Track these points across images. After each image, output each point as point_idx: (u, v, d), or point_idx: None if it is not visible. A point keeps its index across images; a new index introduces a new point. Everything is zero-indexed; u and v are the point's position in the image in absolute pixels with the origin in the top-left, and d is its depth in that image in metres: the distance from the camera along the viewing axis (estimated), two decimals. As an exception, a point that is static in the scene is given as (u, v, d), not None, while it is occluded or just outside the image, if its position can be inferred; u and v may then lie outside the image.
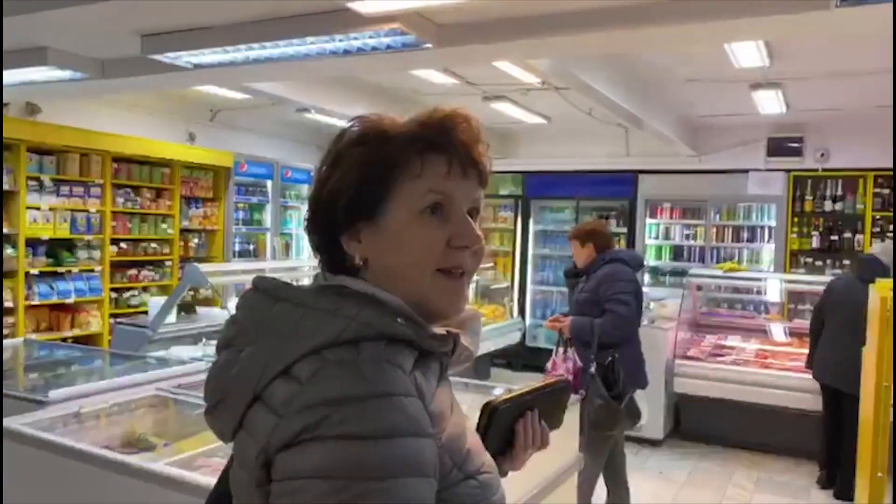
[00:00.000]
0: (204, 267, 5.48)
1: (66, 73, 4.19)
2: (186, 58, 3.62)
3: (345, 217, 0.88)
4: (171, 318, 5.20)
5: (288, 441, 0.73)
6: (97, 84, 4.45)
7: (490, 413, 1.01)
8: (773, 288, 6.68)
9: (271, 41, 3.26)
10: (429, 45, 3.15)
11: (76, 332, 6.18)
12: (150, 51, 3.54)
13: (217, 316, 5.34)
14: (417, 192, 0.87)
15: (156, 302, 5.36)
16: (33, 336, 5.82)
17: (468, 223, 0.89)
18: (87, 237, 6.30)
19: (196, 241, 7.44)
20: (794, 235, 7.56)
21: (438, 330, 0.91)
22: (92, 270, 6.34)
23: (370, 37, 3.09)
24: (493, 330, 7.38)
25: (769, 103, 6.23)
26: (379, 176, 0.87)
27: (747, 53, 4.69)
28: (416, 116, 0.92)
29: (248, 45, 3.34)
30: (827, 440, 4.95)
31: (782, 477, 5.21)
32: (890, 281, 3.13)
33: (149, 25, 3.47)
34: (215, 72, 3.91)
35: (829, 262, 7.35)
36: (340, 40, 3.16)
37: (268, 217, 8.22)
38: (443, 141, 0.88)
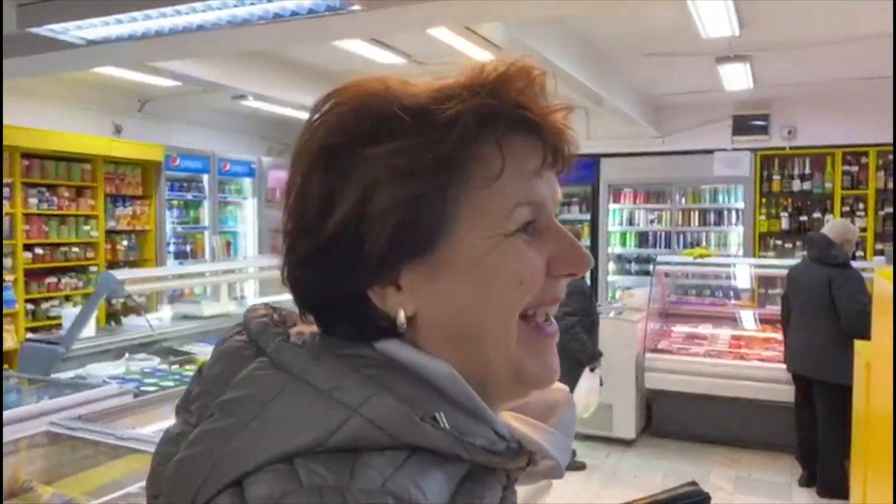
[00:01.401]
0: (126, 273, 4.95)
1: (-59, 55, 3.60)
2: (74, 31, 3.08)
3: (383, 259, 0.55)
4: (91, 331, 4.65)
5: None
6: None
7: None
8: (743, 273, 6.41)
9: (170, 6, 2.74)
10: (356, 7, 2.68)
11: (-14, 349, 5.57)
12: (29, 23, 3.00)
13: (142, 328, 4.80)
14: (501, 206, 0.56)
15: (72, 314, 4.79)
16: (-66, 357, 5.22)
17: (571, 238, 0.60)
18: (-6, 243, 5.69)
19: (125, 243, 6.88)
20: (763, 217, 7.33)
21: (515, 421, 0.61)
22: (2, 281, 5.72)
23: (286, -2, 2.62)
24: None
25: (736, 78, 5.93)
26: (436, 189, 0.54)
27: (716, 21, 4.33)
28: (467, 79, 0.57)
29: (144, 14, 2.82)
30: (800, 434, 4.74)
31: (762, 474, 4.95)
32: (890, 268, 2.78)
33: (23, -8, 2.94)
34: (113, 49, 3.39)
35: (798, 244, 7.10)
36: (252, 3, 2.67)
37: (205, 214, 7.68)
38: (528, 114, 0.56)
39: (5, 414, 2.82)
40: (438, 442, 0.51)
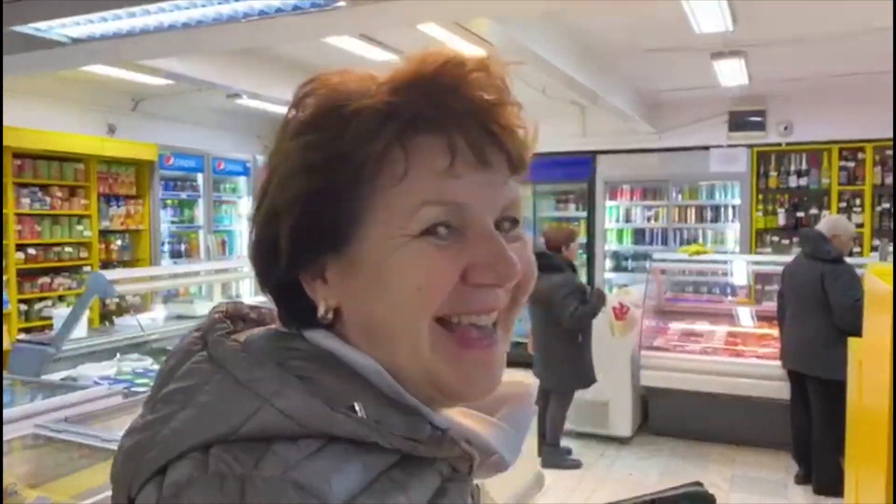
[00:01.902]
0: (116, 273, 4.92)
1: (-74, 54, 3.57)
2: (59, 29, 3.05)
3: (292, 249, 0.56)
4: (82, 331, 4.62)
5: None
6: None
7: None
8: (740, 270, 6.37)
9: (154, 3, 2.71)
10: (342, 4, 2.65)
11: (-22, 350, 5.54)
12: (13, 21, 2.96)
13: (134, 328, 4.77)
14: (405, 206, 0.55)
15: (64, 314, 4.76)
16: (-74, 358, 5.19)
17: (497, 246, 0.56)
18: (-14, 244, 5.66)
19: (119, 242, 6.85)
20: (760, 213, 7.29)
21: (460, 418, 0.61)
22: (2, 281, 5.70)
23: (270, -6, 2.59)
24: None
25: (731, 74, 5.89)
26: (336, 185, 0.55)
27: (710, 17, 4.31)
28: (395, 70, 0.57)
29: (128, 11, 2.79)
30: (795, 431, 4.71)
31: (758, 472, 4.93)
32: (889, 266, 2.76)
33: (6, -10, 2.90)
34: (100, 47, 3.36)
35: (795, 240, 7.06)
36: (235, 0, 2.64)
37: (200, 213, 7.64)
38: (436, 110, 0.55)
39: (-14, 417, 2.79)
40: (353, 430, 0.52)
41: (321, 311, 0.58)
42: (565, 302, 4.67)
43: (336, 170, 0.55)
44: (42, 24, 2.99)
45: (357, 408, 0.53)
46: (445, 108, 0.55)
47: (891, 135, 5.58)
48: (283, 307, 0.61)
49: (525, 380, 0.69)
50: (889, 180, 6.84)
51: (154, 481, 0.51)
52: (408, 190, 0.55)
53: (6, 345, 5.57)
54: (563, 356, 4.83)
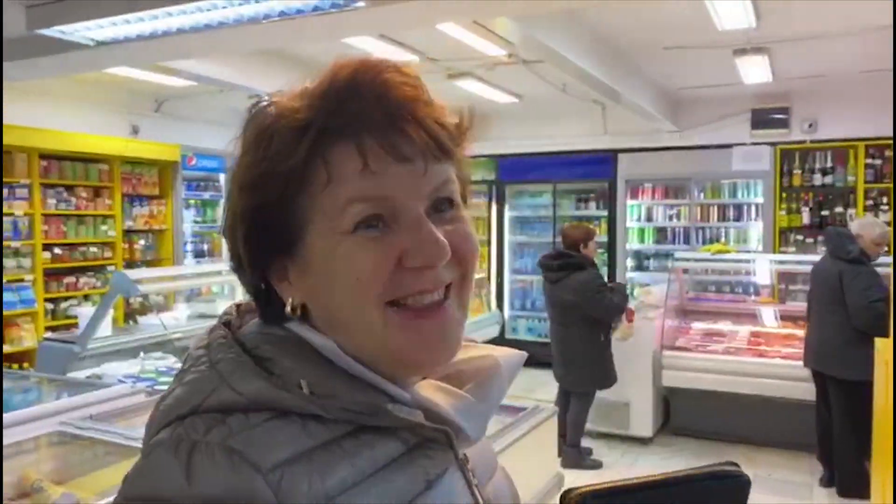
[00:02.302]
0: (139, 272, 4.97)
1: (-45, 58, 3.64)
2: (83, 32, 3.09)
3: (249, 256, 0.65)
4: (107, 330, 4.68)
5: None
6: (-2, 70, 3.90)
7: None
8: (763, 269, 6.30)
9: (175, 6, 2.74)
10: (361, 4, 2.65)
11: (7, 348, 5.64)
12: (37, 24, 3.01)
13: (158, 326, 4.82)
14: (335, 207, 0.61)
15: (87, 313, 4.82)
16: (-45, 356, 5.29)
17: (424, 230, 0.62)
18: (14, 243, 5.76)
19: (142, 242, 6.92)
20: (783, 212, 7.18)
21: (430, 391, 0.67)
22: (22, 280, 5.80)
23: (290, -5, 2.60)
24: (471, 324, 6.79)
25: (754, 71, 5.81)
26: (271, 200, 0.62)
27: (732, 13, 4.25)
28: (313, 83, 0.64)
29: (151, 14, 2.82)
30: (821, 432, 4.65)
31: (781, 473, 4.87)
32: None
33: (32, -6, 2.95)
34: (123, 49, 3.40)
35: (820, 239, 6.95)
36: (257, 1, 2.65)
37: (222, 213, 7.69)
38: (342, 118, 0.61)
39: (18, 414, 2.84)
40: (296, 404, 0.59)
41: (288, 308, 0.66)
42: (600, 296, 4.65)
43: (268, 186, 0.62)
44: (67, 27, 3.03)
45: (303, 384, 0.61)
46: (352, 115, 0.61)
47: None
48: (261, 307, 0.69)
49: (495, 352, 0.72)
50: (917, 178, 6.71)
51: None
52: (334, 193, 0.61)
53: (32, 343, 5.66)
54: (584, 356, 4.80)
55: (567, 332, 4.85)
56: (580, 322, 4.74)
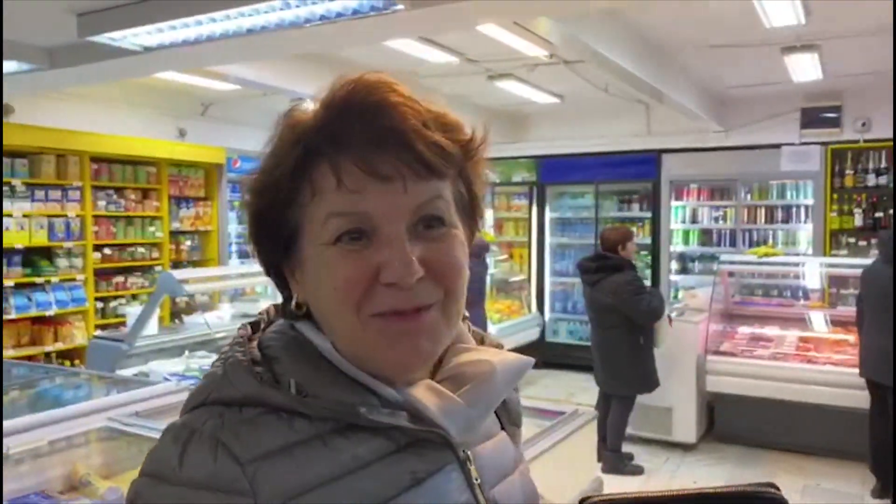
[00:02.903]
0: (184, 272, 5.08)
1: (11, 65, 3.78)
2: (131, 39, 3.17)
3: (257, 253, 0.73)
4: (153, 329, 4.79)
5: None
6: (52, 76, 4.03)
7: None
8: (813, 272, 6.13)
9: (220, 11, 2.79)
10: (400, 7, 2.66)
11: (59, 346, 5.83)
12: (88, 32, 3.10)
13: (201, 326, 4.91)
14: (318, 219, 0.66)
15: (135, 312, 4.94)
16: (11, 352, 5.48)
17: (396, 247, 0.65)
18: (66, 244, 5.94)
19: (188, 243, 7.07)
20: (834, 214, 6.97)
21: (426, 394, 0.69)
22: (74, 279, 5.98)
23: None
24: (510, 326, 6.98)
25: (804, 69, 5.65)
26: (266, 205, 0.69)
27: (780, 10, 4.14)
28: (320, 98, 0.68)
29: (196, 19, 2.88)
30: (875, 442, 4.50)
31: (831, 483, 4.72)
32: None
33: (83, 3, 3.03)
34: (169, 54, 3.48)
35: (873, 241, 6.73)
36: (297, 5, 2.68)
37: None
38: (319, 137, 0.65)
39: (68, 409, 2.91)
40: (282, 402, 0.65)
41: (293, 303, 0.72)
42: (637, 298, 4.59)
43: (264, 194, 0.69)
44: (116, 34, 3.11)
45: (291, 383, 0.66)
46: (333, 136, 0.65)
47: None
48: (282, 300, 0.75)
49: (496, 357, 0.74)
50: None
51: None
52: (317, 206, 0.66)
53: (83, 340, 5.83)
54: (625, 360, 4.74)
55: (606, 335, 4.79)
56: (620, 325, 4.68)
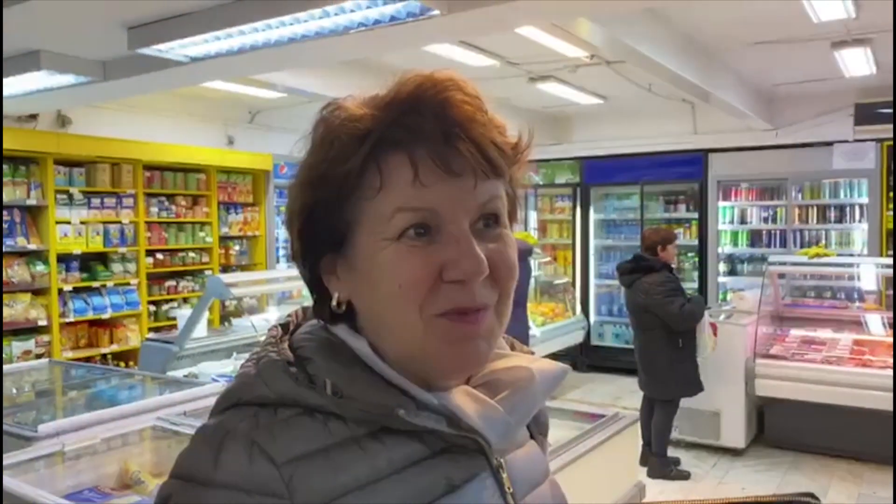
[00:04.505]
0: (232, 276, 5.19)
1: (68, 78, 3.94)
2: (178, 50, 3.28)
3: (302, 249, 0.70)
4: (202, 331, 4.92)
5: None
6: (105, 88, 4.19)
7: None
8: (868, 274, 5.94)
9: (260, 21, 2.87)
10: (436, 13, 2.69)
11: (114, 347, 6.02)
12: (138, 44, 3.22)
13: (249, 328, 5.02)
14: (382, 213, 0.64)
15: (186, 315, 5.08)
16: (70, 354, 5.69)
17: (464, 245, 0.64)
18: (121, 249, 6.14)
19: (237, 248, 7.23)
20: (891, 213, 6.74)
21: (462, 398, 0.68)
22: (128, 283, 6.17)
23: (368, 6, 2.66)
24: (554, 329, 6.93)
25: (855, 63, 5.49)
26: (328, 200, 0.66)
27: (828, 4, 4.04)
28: (378, 94, 0.67)
29: (239, 29, 2.97)
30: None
31: (888, 492, 4.57)
32: None
33: (133, 17, 3.15)
34: (215, 64, 3.58)
35: (933, 241, 6.50)
36: (336, 14, 2.74)
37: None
38: (400, 130, 0.64)
39: (120, 409, 3.02)
40: (318, 403, 0.63)
41: (333, 302, 0.70)
42: (669, 300, 4.53)
43: (323, 186, 0.66)
44: (164, 46, 3.22)
45: (327, 384, 0.65)
46: (409, 128, 0.64)
47: None
48: (314, 299, 0.73)
49: (534, 364, 0.73)
50: None
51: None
52: (383, 200, 0.64)
53: (136, 343, 6.02)
54: (665, 363, 4.67)
55: (646, 337, 4.74)
56: (657, 327, 4.62)
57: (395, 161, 0.64)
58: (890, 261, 6.14)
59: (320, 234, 0.68)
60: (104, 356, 5.98)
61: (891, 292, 6.25)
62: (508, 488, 0.70)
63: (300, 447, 0.61)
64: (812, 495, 0.72)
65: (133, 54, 3.52)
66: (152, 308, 6.48)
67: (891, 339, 5.39)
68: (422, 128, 0.63)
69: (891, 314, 5.69)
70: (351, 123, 0.65)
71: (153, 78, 3.89)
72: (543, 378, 0.73)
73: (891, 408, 4.77)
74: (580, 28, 3.84)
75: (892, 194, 6.76)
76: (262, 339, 0.72)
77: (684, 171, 7.73)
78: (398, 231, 0.64)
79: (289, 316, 0.76)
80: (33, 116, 5.52)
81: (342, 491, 0.60)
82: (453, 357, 0.66)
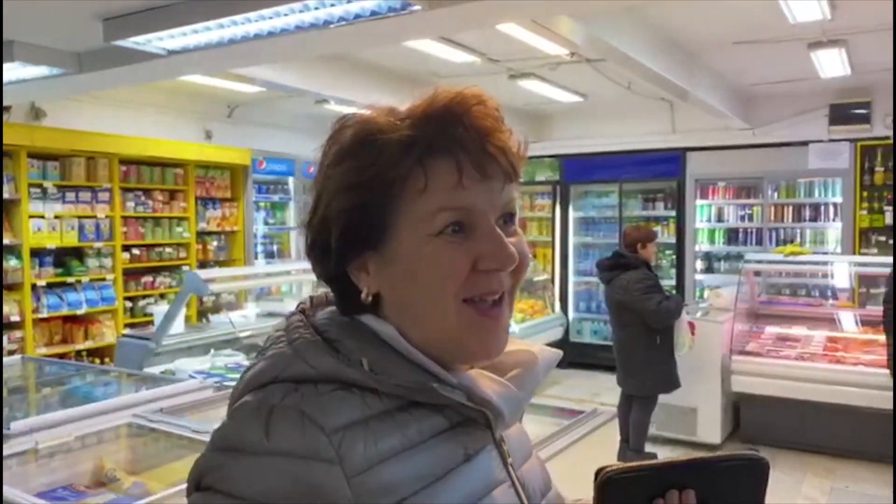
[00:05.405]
0: (209, 272, 5.14)
1: (42, 70, 3.87)
2: (156, 42, 3.24)
3: (341, 249, 0.75)
4: (179, 327, 4.87)
5: (195, 484, 0.70)
6: (80, 80, 4.12)
7: (601, 487, 0.75)
8: (842, 272, 6.04)
9: (240, 14, 2.84)
10: (417, 8, 2.68)
11: (89, 344, 5.95)
12: (114, 36, 3.17)
13: (227, 325, 4.98)
14: (426, 212, 0.73)
15: (163, 311, 5.03)
16: (43, 350, 5.61)
17: (497, 238, 0.74)
18: (96, 244, 6.05)
19: (215, 243, 7.16)
20: (864, 212, 6.85)
21: (481, 377, 0.78)
22: (104, 279, 6.09)
23: (348, 1, 2.65)
24: (534, 326, 6.96)
25: (831, 64, 5.56)
26: (373, 201, 0.73)
27: (805, 5, 4.09)
28: (413, 108, 0.75)
29: (217, 23, 2.93)
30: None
31: (860, 486, 4.66)
32: None
33: (108, 8, 3.10)
34: (193, 57, 3.54)
35: (904, 240, 6.61)
36: (316, 7, 2.72)
37: (291, 215, 7.90)
38: (445, 139, 0.72)
39: (94, 406, 2.97)
40: (357, 378, 0.71)
41: (363, 295, 0.76)
42: (646, 297, 4.56)
43: (371, 188, 0.72)
44: (140, 38, 3.18)
45: (364, 362, 0.72)
46: (452, 136, 0.72)
47: None
48: (336, 295, 0.79)
49: (533, 348, 0.84)
50: None
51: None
52: (427, 200, 0.72)
53: (112, 339, 5.95)
54: (642, 360, 4.71)
55: (624, 333, 4.77)
56: (635, 324, 4.65)
57: (440, 166, 0.72)
58: (863, 258, 6.26)
59: (360, 234, 0.74)
60: (79, 353, 5.90)
61: (864, 290, 6.36)
62: (509, 459, 0.80)
63: (344, 417, 0.68)
64: (754, 448, 0.83)
65: (109, 46, 3.47)
66: (128, 304, 6.40)
67: (864, 336, 5.49)
68: (462, 137, 0.72)
69: (863, 311, 5.79)
70: (398, 132, 0.72)
71: (130, 71, 3.83)
72: (544, 360, 0.84)
73: (864, 403, 4.86)
74: (561, 25, 3.85)
75: (865, 194, 6.87)
76: (276, 326, 0.79)
77: (663, 169, 7.79)
78: (439, 228, 0.72)
79: (301, 304, 0.82)
80: (6, 108, 5.42)
81: (381, 458, 0.68)
82: (479, 346, 0.76)
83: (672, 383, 4.78)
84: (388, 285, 0.75)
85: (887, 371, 4.54)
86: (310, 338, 0.74)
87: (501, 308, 0.76)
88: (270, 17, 2.87)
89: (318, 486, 0.64)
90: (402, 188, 0.72)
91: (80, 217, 5.92)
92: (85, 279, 5.96)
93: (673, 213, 7.82)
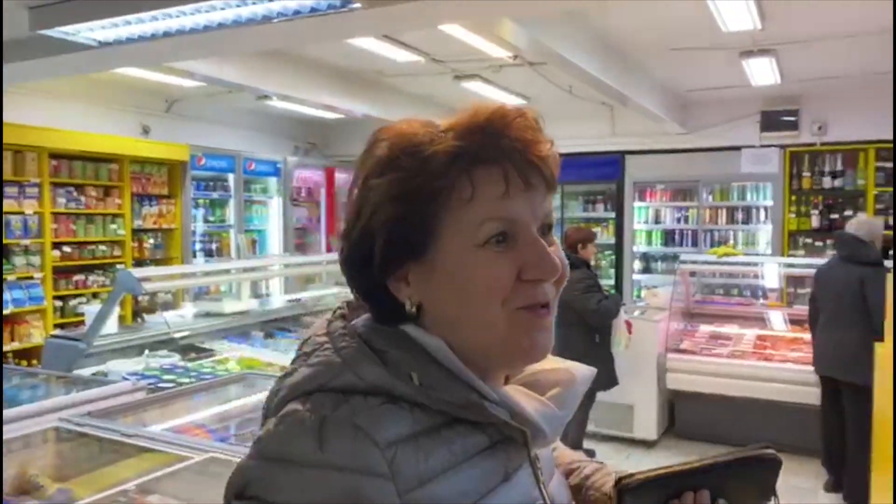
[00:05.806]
0: (144, 271, 4.99)
1: (-38, 58, 3.68)
2: (86, 33, 3.12)
3: (384, 260, 0.74)
4: (112, 327, 4.71)
5: (237, 492, 0.68)
6: (5, 70, 3.94)
7: (618, 495, 0.78)
8: (771, 272, 6.26)
9: (174, 7, 2.77)
10: (357, 6, 2.66)
11: (15, 345, 5.71)
12: (40, 25, 3.05)
13: (162, 325, 4.84)
14: (472, 222, 0.72)
15: (95, 311, 4.86)
16: (-35, 352, 5.37)
17: (541, 248, 0.74)
18: (23, 242, 5.82)
19: (151, 241, 6.97)
20: (792, 215, 7.14)
21: (517, 394, 0.77)
22: (31, 277, 5.85)
23: (287, -3, 2.61)
24: None
25: (762, 73, 5.77)
26: (419, 211, 0.73)
27: (736, 14, 4.23)
28: (455, 121, 0.75)
29: (151, 15, 2.85)
30: (826, 438, 4.60)
31: (787, 478, 4.68)
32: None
33: (35, -5, 2.99)
34: (127, 50, 3.43)
35: (829, 242, 6.90)
36: (254, 2, 2.67)
37: (231, 213, 7.75)
38: (492, 150, 0.72)
39: (18, 410, 2.85)
40: (407, 393, 0.70)
41: (407, 306, 0.75)
42: (587, 296, 4.64)
43: (417, 199, 0.72)
44: (69, 28, 3.07)
45: (413, 376, 0.71)
46: (498, 147, 0.72)
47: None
48: (374, 305, 0.77)
49: (568, 366, 0.85)
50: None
51: (273, 417, 0.71)
52: (473, 210, 0.72)
53: (40, 340, 5.72)
54: (583, 357, 4.77)
55: (565, 332, 4.82)
56: (577, 323, 4.73)
57: (487, 176, 0.72)
58: (791, 260, 6.50)
59: (405, 244, 0.73)
60: (4, 354, 5.65)
61: (791, 290, 6.62)
62: (542, 477, 0.79)
63: (395, 432, 0.67)
64: (766, 445, 0.86)
65: (35, 36, 3.34)
66: (59, 304, 6.17)
67: (791, 335, 5.70)
68: (508, 147, 0.72)
69: (790, 310, 6.01)
70: (444, 143, 0.72)
71: (59, 61, 3.69)
72: (581, 378, 0.85)
73: (789, 399, 5.05)
74: (503, 28, 3.89)
75: (793, 198, 7.15)
76: (315, 330, 0.77)
77: (603, 172, 7.95)
78: (484, 238, 0.72)
79: (340, 309, 0.81)
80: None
81: (431, 475, 0.67)
82: (531, 345, 0.75)
83: (610, 381, 4.87)
84: (431, 296, 0.75)
85: (811, 367, 4.72)
86: (357, 347, 0.73)
87: (549, 313, 0.76)
88: (207, 11, 2.81)
89: (369, 501, 0.63)
90: (447, 198, 0.72)
91: (5, 213, 5.67)
92: (11, 277, 5.72)
93: (612, 215, 8.00)
